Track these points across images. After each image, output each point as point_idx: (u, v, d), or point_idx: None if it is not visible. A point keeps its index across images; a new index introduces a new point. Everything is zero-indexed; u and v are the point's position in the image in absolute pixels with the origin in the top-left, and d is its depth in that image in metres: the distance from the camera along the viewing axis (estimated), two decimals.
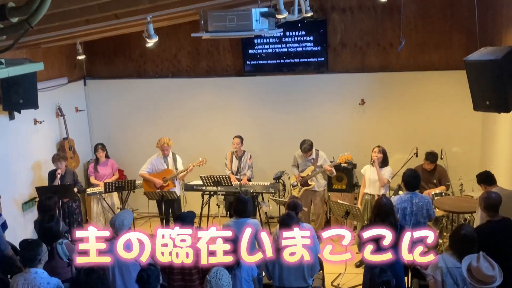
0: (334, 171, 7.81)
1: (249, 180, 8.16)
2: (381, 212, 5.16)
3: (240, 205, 5.57)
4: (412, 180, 6.00)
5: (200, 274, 4.78)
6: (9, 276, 5.06)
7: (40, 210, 6.06)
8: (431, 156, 7.39)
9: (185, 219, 4.99)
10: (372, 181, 7.15)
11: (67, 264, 5.02)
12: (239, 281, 4.59)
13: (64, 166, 7.54)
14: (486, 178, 5.92)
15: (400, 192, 7.07)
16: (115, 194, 8.29)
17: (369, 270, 4.87)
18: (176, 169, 8.02)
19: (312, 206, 8.03)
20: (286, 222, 4.93)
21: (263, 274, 5.28)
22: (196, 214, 7.82)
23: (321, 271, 5.71)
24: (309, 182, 7.85)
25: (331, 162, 7.84)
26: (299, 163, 7.94)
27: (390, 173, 7.18)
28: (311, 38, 8.51)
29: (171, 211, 8.08)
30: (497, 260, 4.20)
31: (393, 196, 7.24)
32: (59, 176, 7.44)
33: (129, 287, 4.82)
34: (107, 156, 8.50)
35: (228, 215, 8.11)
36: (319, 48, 8.53)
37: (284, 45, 8.60)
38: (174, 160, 8.07)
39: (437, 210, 6.65)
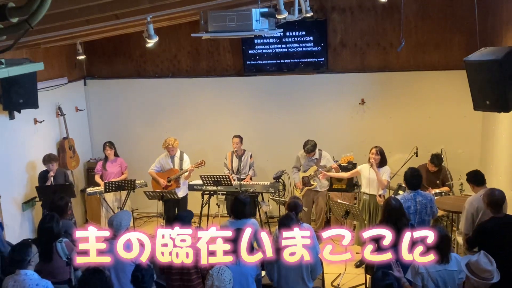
0: (340, 170, 7.82)
1: (250, 179, 8.16)
2: (393, 215, 5.13)
3: (239, 206, 5.55)
4: (413, 180, 5.99)
5: (198, 274, 4.79)
6: None
7: (51, 211, 6.02)
8: (436, 160, 7.36)
9: (184, 219, 4.98)
10: (371, 181, 7.14)
11: (66, 264, 5.01)
12: (245, 277, 4.60)
13: (56, 167, 7.53)
14: (474, 178, 5.92)
15: (400, 192, 7.07)
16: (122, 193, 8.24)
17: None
18: (181, 168, 8.03)
19: (314, 206, 8.02)
20: (285, 223, 4.92)
21: (263, 274, 5.27)
22: (196, 214, 7.87)
23: (321, 271, 5.70)
24: (312, 182, 7.85)
25: (334, 162, 7.85)
26: (302, 163, 7.93)
27: (389, 173, 7.17)
28: (311, 38, 8.51)
29: (177, 212, 8.04)
30: (499, 256, 4.22)
31: (392, 195, 7.27)
32: (51, 178, 7.44)
33: (124, 287, 4.82)
34: (116, 155, 8.43)
35: (229, 215, 8.11)
36: (319, 48, 8.53)
37: (284, 45, 8.61)
38: (181, 160, 8.07)
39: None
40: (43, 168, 7.58)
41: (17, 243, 4.74)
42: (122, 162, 8.45)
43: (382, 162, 7.10)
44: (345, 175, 7.66)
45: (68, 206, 7.48)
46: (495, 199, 5.15)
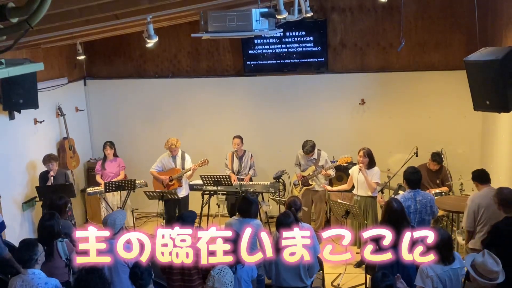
0: (332, 174, 7.85)
1: (250, 179, 8.16)
2: (393, 218, 5.08)
3: (245, 205, 5.54)
4: (412, 177, 5.98)
5: (199, 275, 4.78)
6: (9, 276, 5.04)
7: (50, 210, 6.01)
8: (438, 157, 7.37)
9: (186, 219, 4.99)
10: (360, 182, 7.16)
11: (65, 265, 5.00)
12: (239, 281, 4.59)
13: (56, 167, 7.53)
14: (479, 176, 5.95)
15: (401, 192, 7.08)
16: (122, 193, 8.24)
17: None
18: (183, 168, 8.03)
19: (313, 206, 8.03)
20: (283, 221, 4.91)
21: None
22: (197, 214, 7.88)
23: (321, 271, 5.70)
24: (310, 182, 7.86)
25: (331, 162, 7.85)
26: (301, 162, 7.95)
27: (379, 175, 7.17)
28: (311, 38, 8.51)
29: (178, 211, 8.06)
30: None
31: (393, 195, 7.27)
32: (52, 178, 7.44)
33: (117, 287, 4.82)
34: (115, 155, 8.46)
35: (230, 216, 8.10)
36: (319, 48, 8.53)
37: (284, 45, 8.61)
38: (183, 159, 8.08)
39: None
40: (43, 168, 7.58)
41: (23, 243, 4.73)
42: (120, 162, 8.49)
43: (370, 163, 7.12)
44: (345, 187, 7.67)
45: (68, 206, 7.50)
46: (504, 197, 5.14)
